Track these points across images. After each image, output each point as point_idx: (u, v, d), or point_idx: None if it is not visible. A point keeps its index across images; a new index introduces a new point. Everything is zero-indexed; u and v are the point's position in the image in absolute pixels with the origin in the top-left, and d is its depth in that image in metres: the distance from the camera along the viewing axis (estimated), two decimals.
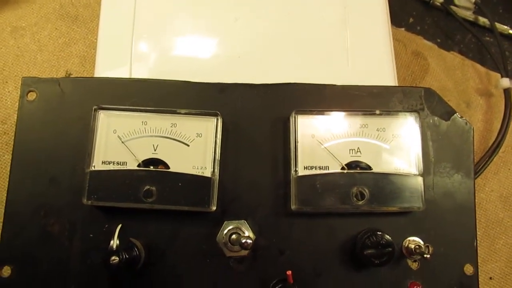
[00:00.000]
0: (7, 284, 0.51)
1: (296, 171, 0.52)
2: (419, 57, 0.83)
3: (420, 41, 0.84)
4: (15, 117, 0.74)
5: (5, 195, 0.70)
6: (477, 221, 0.74)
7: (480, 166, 0.74)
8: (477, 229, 0.73)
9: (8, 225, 0.53)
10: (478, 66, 0.84)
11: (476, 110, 0.80)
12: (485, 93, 0.82)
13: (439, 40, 0.85)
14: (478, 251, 0.72)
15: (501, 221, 0.74)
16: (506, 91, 0.76)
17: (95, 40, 0.79)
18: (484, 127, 0.79)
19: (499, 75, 0.78)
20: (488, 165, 0.74)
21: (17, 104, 0.74)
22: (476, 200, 0.75)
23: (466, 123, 0.56)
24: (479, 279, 0.70)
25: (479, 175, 0.74)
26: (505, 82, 0.76)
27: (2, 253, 0.52)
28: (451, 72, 0.82)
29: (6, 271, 0.52)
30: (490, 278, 0.71)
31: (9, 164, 0.71)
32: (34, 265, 0.52)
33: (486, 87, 0.82)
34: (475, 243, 0.54)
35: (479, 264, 0.71)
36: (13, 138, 0.72)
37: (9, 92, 0.75)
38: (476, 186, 0.76)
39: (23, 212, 0.53)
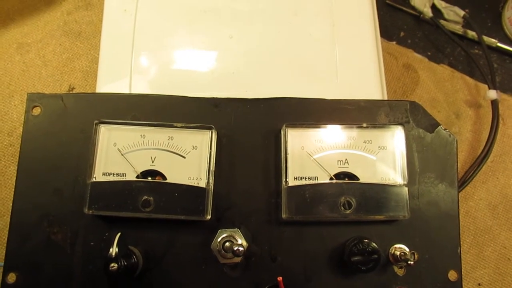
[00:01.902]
0: None
1: (286, 181, 0.55)
2: (410, 69, 0.85)
3: (411, 54, 0.87)
4: (21, 130, 0.77)
5: (11, 204, 0.73)
6: (466, 229, 0.76)
7: (469, 175, 0.76)
8: (466, 237, 0.76)
9: (14, 234, 0.55)
10: (467, 78, 0.86)
11: (465, 121, 0.83)
12: (474, 104, 0.84)
13: (429, 53, 0.88)
14: (467, 258, 0.74)
15: (490, 229, 0.76)
16: (493, 102, 0.79)
17: (97, 56, 0.82)
18: (473, 137, 0.81)
19: (487, 86, 0.81)
20: (477, 174, 0.76)
21: (23, 117, 0.77)
22: (465, 209, 0.78)
23: (449, 135, 0.59)
24: (468, 286, 0.73)
25: (468, 184, 0.76)
26: (492, 93, 0.78)
27: (7, 261, 0.55)
28: (441, 84, 0.85)
29: (11, 277, 0.54)
30: (479, 284, 0.73)
31: (15, 175, 0.75)
32: (38, 271, 0.54)
33: (475, 99, 0.84)
34: (459, 250, 0.56)
35: (468, 270, 0.73)
36: (18, 150, 0.75)
37: (15, 105, 0.78)
38: (465, 194, 0.79)
39: (28, 221, 0.55)
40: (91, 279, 0.54)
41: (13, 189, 0.73)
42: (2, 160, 0.75)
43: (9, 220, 0.72)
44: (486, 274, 0.73)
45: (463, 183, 0.75)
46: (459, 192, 0.71)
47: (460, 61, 0.88)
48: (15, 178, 0.74)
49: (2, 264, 0.57)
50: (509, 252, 0.74)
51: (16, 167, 0.74)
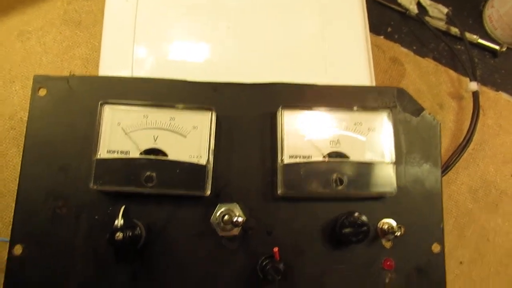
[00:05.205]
0: (18, 261, 0.55)
1: (282, 159, 0.58)
2: (396, 63, 0.90)
3: (398, 48, 0.92)
4: (22, 114, 0.79)
5: (12, 185, 0.75)
6: (448, 211, 0.81)
7: (451, 161, 0.81)
8: (449, 219, 0.80)
9: (20, 208, 0.57)
10: (451, 71, 0.91)
11: (448, 111, 0.87)
12: (457, 96, 0.89)
13: (414, 48, 0.93)
14: (450, 239, 0.79)
15: (470, 211, 0.80)
16: (474, 93, 0.83)
17: (97, 44, 0.84)
18: (455, 127, 0.86)
19: (468, 79, 0.86)
20: (459, 160, 0.81)
21: (24, 102, 0.79)
22: (447, 192, 0.82)
23: (433, 119, 0.63)
24: (451, 264, 0.77)
25: (450, 169, 0.80)
26: (473, 85, 0.83)
27: (14, 233, 0.57)
28: (426, 77, 0.89)
29: (18, 249, 0.56)
30: (460, 262, 0.77)
31: (16, 156, 0.77)
32: (43, 243, 0.56)
33: (458, 91, 0.89)
34: (441, 225, 0.60)
35: (450, 250, 0.78)
36: (19, 133, 0.77)
37: (15, 91, 0.80)
38: (448, 179, 0.83)
39: (34, 197, 0.57)
40: (95, 251, 0.56)
41: (14, 170, 0.76)
42: (3, 143, 0.76)
43: (11, 200, 0.74)
44: (467, 253, 0.78)
45: (446, 168, 0.80)
46: (442, 176, 0.75)
47: (443, 56, 0.92)
48: (16, 159, 0.77)
49: (5, 239, 0.59)
50: (488, 233, 0.79)
51: (18, 148, 0.76)
